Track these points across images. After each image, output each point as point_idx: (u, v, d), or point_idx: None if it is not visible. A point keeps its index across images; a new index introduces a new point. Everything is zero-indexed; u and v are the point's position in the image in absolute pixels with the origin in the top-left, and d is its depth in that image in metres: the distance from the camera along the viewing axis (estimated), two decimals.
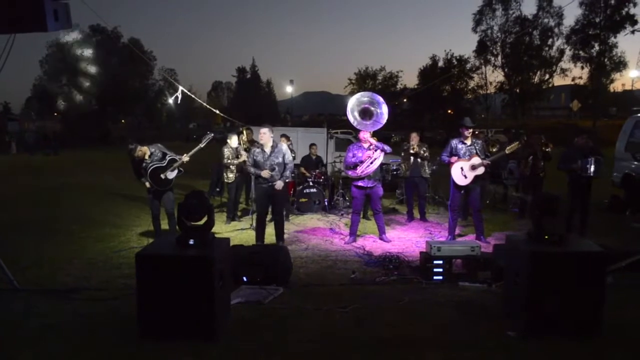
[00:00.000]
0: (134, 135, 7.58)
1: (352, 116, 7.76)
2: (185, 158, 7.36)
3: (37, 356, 3.96)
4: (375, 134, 8.31)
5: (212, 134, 7.93)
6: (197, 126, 70.49)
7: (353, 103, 7.80)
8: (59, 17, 4.55)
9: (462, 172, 7.72)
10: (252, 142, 10.18)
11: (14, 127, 48.27)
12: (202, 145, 7.48)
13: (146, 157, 7.33)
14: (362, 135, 7.84)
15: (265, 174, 7.25)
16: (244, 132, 10.61)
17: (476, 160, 7.66)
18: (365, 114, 7.78)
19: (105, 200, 12.14)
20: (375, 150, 7.70)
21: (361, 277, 6.09)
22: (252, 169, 7.46)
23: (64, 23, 4.66)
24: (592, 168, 7.78)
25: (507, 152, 7.96)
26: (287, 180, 7.60)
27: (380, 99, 7.84)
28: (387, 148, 7.86)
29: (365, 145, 7.77)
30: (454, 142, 7.95)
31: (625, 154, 10.91)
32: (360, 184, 7.83)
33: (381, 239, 8.02)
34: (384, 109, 7.73)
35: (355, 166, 7.75)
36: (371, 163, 7.66)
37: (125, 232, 8.63)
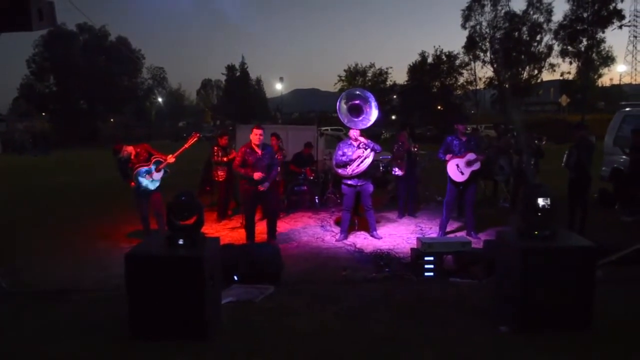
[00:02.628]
0: (123, 134, 7.48)
1: (342, 114, 7.72)
2: (171, 159, 7.31)
3: (28, 358, 3.92)
4: (365, 131, 8.25)
5: (198, 134, 7.82)
6: (186, 124, 70.27)
7: (343, 99, 7.76)
8: (44, 16, 4.50)
9: (458, 168, 7.72)
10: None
11: (1, 127, 47.80)
12: (187, 145, 7.40)
13: (132, 156, 7.28)
14: (352, 133, 7.78)
15: (257, 176, 7.21)
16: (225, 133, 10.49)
17: (471, 156, 7.68)
18: (355, 110, 7.74)
19: (94, 200, 12.07)
20: (366, 149, 7.67)
21: (352, 275, 6.08)
22: (240, 170, 7.37)
23: (49, 22, 4.61)
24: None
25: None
26: (272, 180, 7.52)
27: (371, 96, 7.79)
28: (377, 147, 7.80)
29: (355, 144, 7.72)
30: (449, 139, 7.96)
31: (614, 148, 10.97)
32: (349, 182, 7.80)
33: (372, 235, 8.01)
34: (374, 107, 7.69)
35: (345, 165, 7.72)
36: (362, 162, 7.62)
37: (115, 232, 8.57)
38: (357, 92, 7.92)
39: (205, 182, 11.50)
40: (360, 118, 7.70)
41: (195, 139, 7.50)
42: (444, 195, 8.19)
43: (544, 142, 9.76)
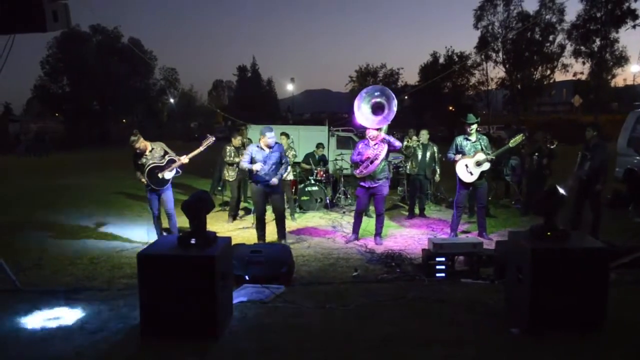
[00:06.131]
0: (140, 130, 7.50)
1: (364, 112, 7.55)
2: (185, 160, 7.35)
3: (39, 357, 3.96)
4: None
5: (214, 138, 7.79)
6: (198, 125, 70.53)
7: (364, 97, 7.61)
8: (59, 18, 4.54)
9: (468, 169, 7.69)
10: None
11: (15, 128, 48.11)
12: (202, 148, 7.42)
13: (147, 152, 7.32)
14: (369, 132, 7.64)
15: (256, 166, 7.23)
16: (243, 131, 10.62)
17: (480, 156, 7.64)
18: (378, 108, 7.59)
19: (105, 200, 12.15)
20: (378, 148, 7.53)
21: (363, 275, 6.08)
22: (244, 164, 7.39)
23: (63, 23, 4.65)
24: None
25: (510, 145, 7.91)
26: (281, 178, 7.52)
27: (390, 92, 7.63)
28: (397, 143, 7.63)
29: (372, 144, 7.62)
30: (459, 139, 7.91)
31: (628, 149, 10.89)
32: (363, 183, 7.75)
33: (374, 240, 7.84)
34: (394, 105, 7.50)
35: (357, 165, 7.68)
36: (370, 163, 7.53)
37: (127, 231, 8.63)
38: (379, 90, 7.75)
39: (217, 181, 11.58)
40: (381, 117, 7.56)
41: (210, 142, 7.50)
42: (455, 196, 8.15)
43: (555, 145, 9.69)
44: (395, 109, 7.54)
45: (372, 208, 9.12)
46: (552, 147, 9.68)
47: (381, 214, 7.89)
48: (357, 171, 7.66)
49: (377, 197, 7.80)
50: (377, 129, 7.63)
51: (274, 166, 7.35)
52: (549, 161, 9.64)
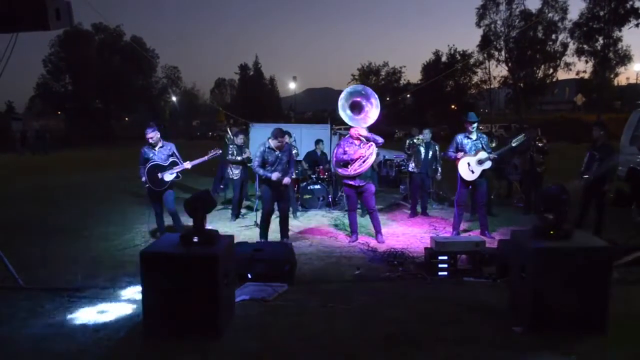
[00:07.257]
0: (154, 122, 7.50)
1: (344, 113, 7.55)
2: (187, 165, 7.36)
3: (42, 355, 3.97)
4: (379, 130, 8.12)
5: (220, 150, 7.84)
6: (200, 124, 70.61)
7: (343, 98, 7.60)
8: (61, 16, 4.54)
9: (469, 167, 7.67)
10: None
11: (18, 126, 48.08)
12: (206, 158, 7.48)
13: (157, 146, 7.33)
14: (353, 131, 7.58)
15: (275, 176, 7.22)
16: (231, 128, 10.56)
17: (483, 154, 7.63)
18: (356, 107, 7.60)
19: (108, 198, 12.17)
20: (369, 147, 7.52)
21: (366, 274, 6.08)
22: (260, 171, 7.32)
23: (66, 22, 4.65)
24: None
25: (513, 145, 7.89)
26: (292, 176, 7.56)
27: (371, 92, 7.62)
28: (379, 139, 7.57)
29: (357, 143, 7.53)
30: (460, 138, 7.89)
31: (630, 147, 10.85)
32: (350, 182, 7.63)
33: (376, 238, 7.77)
34: (375, 104, 7.49)
35: (346, 164, 7.54)
36: (364, 162, 7.45)
37: (130, 230, 8.64)
38: (357, 90, 7.74)
39: (219, 180, 11.59)
40: (362, 116, 7.57)
41: (215, 154, 7.61)
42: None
43: (543, 143, 9.70)
44: (376, 107, 7.52)
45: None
46: (540, 144, 9.69)
47: (373, 210, 7.82)
48: (349, 170, 7.50)
49: (366, 195, 7.72)
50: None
51: (286, 166, 7.37)
52: (540, 158, 9.65)
